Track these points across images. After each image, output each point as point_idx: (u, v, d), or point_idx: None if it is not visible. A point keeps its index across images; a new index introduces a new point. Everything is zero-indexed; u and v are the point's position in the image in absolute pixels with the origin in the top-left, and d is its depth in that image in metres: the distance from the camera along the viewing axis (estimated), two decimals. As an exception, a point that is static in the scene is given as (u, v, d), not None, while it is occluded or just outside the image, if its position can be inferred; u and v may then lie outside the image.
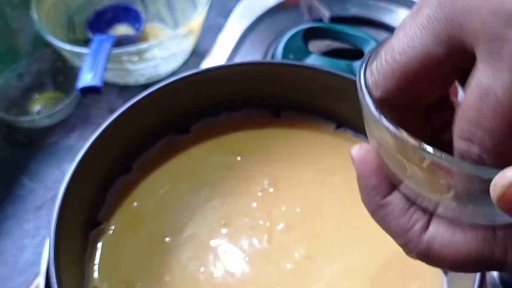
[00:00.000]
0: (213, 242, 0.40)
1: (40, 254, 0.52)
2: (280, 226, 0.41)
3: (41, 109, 0.65)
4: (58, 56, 0.66)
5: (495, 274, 0.48)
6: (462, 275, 0.36)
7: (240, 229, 0.41)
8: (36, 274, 0.53)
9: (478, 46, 0.17)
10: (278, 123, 0.47)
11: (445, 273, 0.39)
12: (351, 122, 0.46)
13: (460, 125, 0.17)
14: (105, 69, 0.56)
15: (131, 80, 0.65)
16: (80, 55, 0.59)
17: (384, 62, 0.19)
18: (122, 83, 0.66)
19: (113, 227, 0.41)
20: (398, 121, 0.19)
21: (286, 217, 0.41)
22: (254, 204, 0.42)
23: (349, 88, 0.42)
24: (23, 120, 0.62)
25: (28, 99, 0.66)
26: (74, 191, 0.38)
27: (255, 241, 0.40)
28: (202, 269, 0.39)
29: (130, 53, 0.60)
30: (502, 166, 0.17)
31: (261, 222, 0.41)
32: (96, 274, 0.39)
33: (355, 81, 0.40)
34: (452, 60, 0.18)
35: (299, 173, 0.44)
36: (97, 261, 0.39)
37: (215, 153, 0.45)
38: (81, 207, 0.40)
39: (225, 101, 0.46)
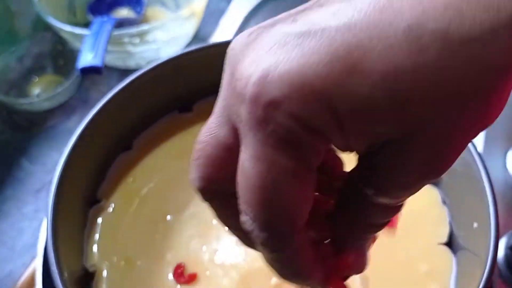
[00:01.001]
0: (216, 221, 0.39)
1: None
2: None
3: (40, 92, 0.64)
4: (58, 39, 0.65)
5: (501, 258, 0.47)
6: (472, 258, 0.35)
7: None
8: (35, 256, 0.52)
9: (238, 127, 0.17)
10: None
11: (454, 253, 0.38)
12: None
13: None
14: (106, 51, 0.55)
15: (132, 63, 0.64)
16: (80, 37, 0.58)
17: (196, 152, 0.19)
18: (123, 66, 0.65)
19: (113, 204, 0.40)
20: None
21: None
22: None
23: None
24: (23, 103, 0.61)
25: (28, 82, 0.65)
26: (72, 167, 0.37)
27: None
28: (204, 247, 0.38)
29: (131, 35, 0.59)
30: (271, 235, 0.18)
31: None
32: (95, 251, 0.38)
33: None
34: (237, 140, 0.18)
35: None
36: (96, 238, 0.38)
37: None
38: (80, 184, 0.39)
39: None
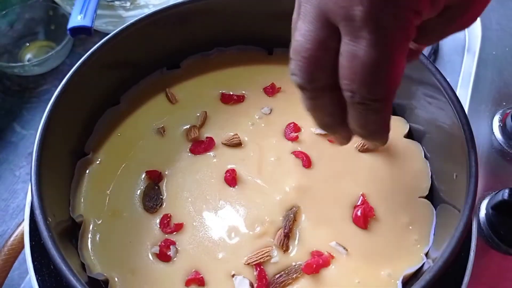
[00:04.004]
0: (203, 173, 0.40)
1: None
2: (271, 158, 0.40)
3: (32, 57, 0.64)
4: (50, 4, 0.65)
5: (483, 217, 0.48)
6: (451, 211, 0.35)
7: (231, 161, 0.40)
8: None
9: (339, 24, 0.23)
10: (271, 60, 0.46)
11: (435, 206, 0.38)
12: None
13: (342, 82, 0.25)
14: (97, 15, 0.54)
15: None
16: (72, 0, 0.58)
17: (294, 61, 0.25)
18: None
19: (100, 158, 0.40)
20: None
21: (278, 150, 0.40)
22: (246, 137, 0.41)
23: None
24: (14, 66, 0.61)
25: (20, 48, 0.65)
26: (58, 119, 0.37)
27: (245, 172, 0.39)
28: (190, 199, 0.39)
29: (122, -2, 0.59)
30: (377, 103, 0.25)
31: (251, 154, 0.40)
32: (82, 202, 0.38)
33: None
34: (337, 38, 0.24)
35: (291, 108, 0.43)
36: (83, 190, 0.39)
37: (207, 88, 0.44)
38: (67, 136, 0.39)
39: (216, 36, 0.45)
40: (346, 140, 0.31)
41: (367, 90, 0.24)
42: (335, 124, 0.29)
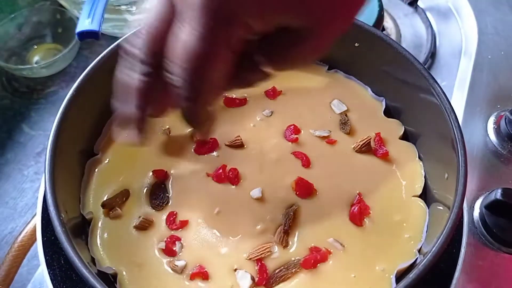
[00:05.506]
0: (209, 174, 0.41)
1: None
2: (271, 158, 0.42)
3: (39, 59, 0.66)
4: (57, 7, 0.66)
5: (477, 216, 0.50)
6: (443, 210, 0.37)
7: (233, 161, 0.42)
8: (36, 215, 0.54)
9: (175, 2, 0.24)
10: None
11: (428, 205, 0.40)
12: (342, 64, 0.47)
13: (164, 61, 0.26)
14: (104, 18, 0.56)
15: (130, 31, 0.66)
16: (79, 5, 0.59)
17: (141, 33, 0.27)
18: (121, 34, 0.67)
19: (108, 157, 0.42)
20: None
21: (278, 150, 0.42)
22: (248, 139, 0.43)
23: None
24: (22, 68, 0.63)
25: (28, 50, 0.67)
26: (70, 120, 0.38)
27: (247, 171, 0.41)
28: (195, 197, 0.40)
29: (128, 3, 0.60)
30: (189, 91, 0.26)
31: (253, 152, 0.42)
32: (91, 200, 0.40)
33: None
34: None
35: (292, 111, 0.44)
36: (93, 187, 0.40)
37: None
38: (77, 137, 0.41)
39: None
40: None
41: (180, 74, 0.25)
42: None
